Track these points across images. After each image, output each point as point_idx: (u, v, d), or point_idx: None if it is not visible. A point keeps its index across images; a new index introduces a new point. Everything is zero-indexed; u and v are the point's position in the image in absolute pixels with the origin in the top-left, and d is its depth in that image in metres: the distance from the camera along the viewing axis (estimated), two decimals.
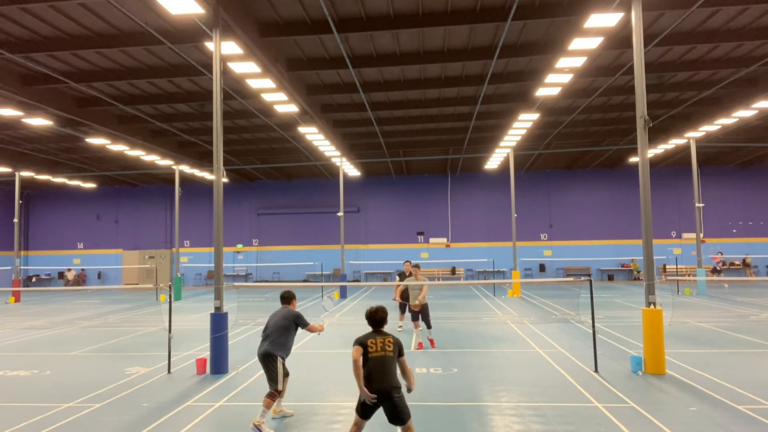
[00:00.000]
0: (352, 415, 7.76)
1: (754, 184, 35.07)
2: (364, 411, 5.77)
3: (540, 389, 8.93)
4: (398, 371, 5.86)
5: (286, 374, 7.62)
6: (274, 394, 7.36)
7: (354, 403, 5.96)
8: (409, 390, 5.90)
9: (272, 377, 7.41)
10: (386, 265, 35.95)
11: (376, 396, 5.62)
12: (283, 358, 7.55)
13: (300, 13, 13.99)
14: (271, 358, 7.43)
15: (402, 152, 31.21)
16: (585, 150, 30.44)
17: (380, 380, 5.65)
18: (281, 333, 7.59)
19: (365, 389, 5.63)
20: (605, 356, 11.16)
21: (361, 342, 5.81)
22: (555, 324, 16.03)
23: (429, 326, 13.00)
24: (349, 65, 16.75)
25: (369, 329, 6.05)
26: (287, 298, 8.08)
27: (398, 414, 5.67)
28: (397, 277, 15.02)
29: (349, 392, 9.09)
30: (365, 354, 5.74)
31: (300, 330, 7.88)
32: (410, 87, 19.78)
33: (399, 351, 5.86)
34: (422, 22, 14.38)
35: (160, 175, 34.43)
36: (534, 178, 36.00)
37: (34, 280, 38.95)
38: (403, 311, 14.81)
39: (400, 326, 15.02)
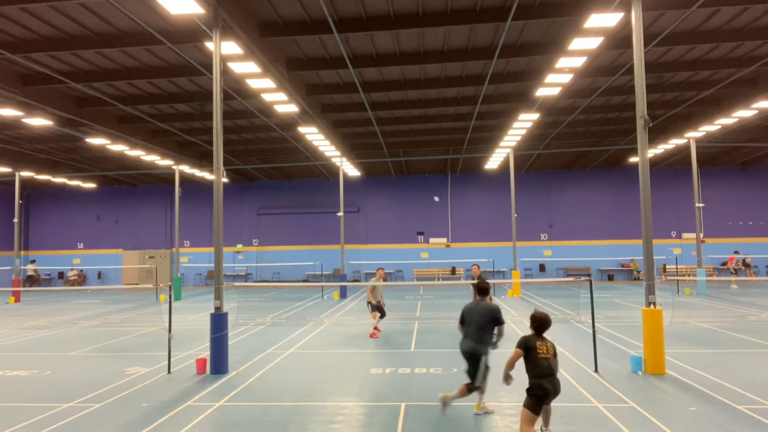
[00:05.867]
0: (351, 415, 7.80)
1: (754, 184, 35.03)
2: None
3: None
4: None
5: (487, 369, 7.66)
6: (471, 386, 7.52)
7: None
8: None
9: (472, 373, 7.53)
10: (386, 265, 35.91)
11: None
12: (487, 355, 7.65)
13: (300, 13, 13.99)
14: (476, 357, 7.53)
15: (402, 152, 31.19)
16: (585, 150, 30.42)
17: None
18: (485, 330, 7.64)
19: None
20: (605, 356, 11.16)
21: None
22: (555, 324, 15.92)
23: (383, 316, 14.53)
24: (349, 65, 16.75)
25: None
26: (485, 290, 7.94)
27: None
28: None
29: (350, 392, 9.11)
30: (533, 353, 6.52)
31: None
32: (410, 87, 19.76)
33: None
34: (422, 22, 14.36)
35: (160, 175, 34.42)
36: (534, 178, 35.98)
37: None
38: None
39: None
